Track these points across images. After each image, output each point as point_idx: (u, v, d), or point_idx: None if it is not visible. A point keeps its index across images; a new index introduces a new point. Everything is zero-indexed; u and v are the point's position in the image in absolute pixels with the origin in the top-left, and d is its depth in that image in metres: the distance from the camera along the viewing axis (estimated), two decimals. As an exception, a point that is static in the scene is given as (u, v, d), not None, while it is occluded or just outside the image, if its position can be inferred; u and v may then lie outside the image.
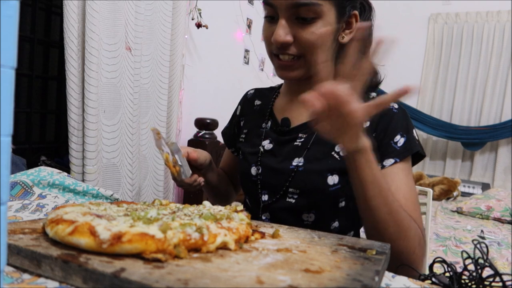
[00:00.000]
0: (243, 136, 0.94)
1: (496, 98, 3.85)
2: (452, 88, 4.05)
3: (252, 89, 1.03)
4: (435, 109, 4.11)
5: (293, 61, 0.76)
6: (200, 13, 2.18)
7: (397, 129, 0.77)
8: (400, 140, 0.76)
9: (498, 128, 3.75)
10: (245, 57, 2.86)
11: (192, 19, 2.17)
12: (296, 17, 0.73)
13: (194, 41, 2.30)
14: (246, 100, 1.00)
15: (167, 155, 0.77)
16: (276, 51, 0.77)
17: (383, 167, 0.75)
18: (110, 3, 1.61)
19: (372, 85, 0.82)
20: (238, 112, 1.01)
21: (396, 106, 0.80)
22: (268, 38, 0.78)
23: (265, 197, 0.84)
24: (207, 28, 2.21)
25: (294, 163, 0.80)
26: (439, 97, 4.11)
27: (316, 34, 0.73)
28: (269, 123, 0.89)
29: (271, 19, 0.77)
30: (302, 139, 0.82)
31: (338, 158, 0.78)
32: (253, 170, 0.86)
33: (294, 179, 0.80)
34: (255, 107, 0.96)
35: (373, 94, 0.82)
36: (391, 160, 0.74)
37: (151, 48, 1.89)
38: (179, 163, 0.78)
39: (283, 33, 0.73)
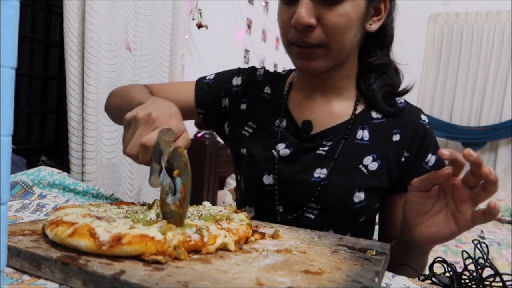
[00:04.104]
0: (250, 130, 0.80)
1: (496, 98, 3.85)
2: (452, 88, 4.05)
3: (262, 69, 0.86)
4: (435, 109, 4.11)
5: (315, 49, 0.65)
6: (200, 13, 2.18)
7: (430, 147, 0.74)
8: (431, 159, 0.74)
9: (498, 128, 3.76)
10: (245, 57, 2.86)
11: (193, 19, 2.17)
12: None
13: (194, 41, 2.30)
14: (255, 81, 0.84)
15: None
16: (295, 37, 0.65)
17: None
18: (110, 3, 1.61)
19: (401, 92, 0.76)
20: (238, 84, 0.84)
21: (427, 120, 0.76)
22: (285, 22, 0.66)
23: (280, 209, 0.75)
24: (207, 28, 2.21)
25: (316, 175, 0.72)
26: (439, 97, 4.11)
27: (345, 17, 0.62)
28: (284, 122, 0.77)
29: (289, 0, 0.65)
30: (327, 148, 0.73)
31: (366, 173, 0.71)
32: (266, 179, 0.75)
33: (318, 194, 0.71)
34: (264, 94, 0.81)
35: (401, 100, 0.77)
36: None
37: (151, 48, 1.89)
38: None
39: (306, 13, 0.61)
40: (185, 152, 0.47)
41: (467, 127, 3.94)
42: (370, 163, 0.72)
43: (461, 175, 0.53)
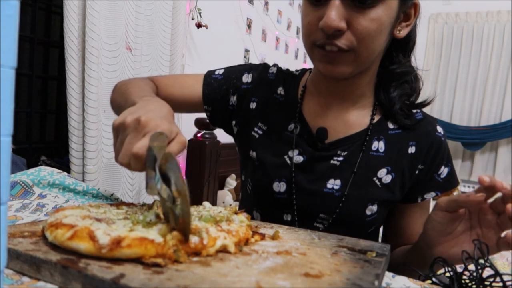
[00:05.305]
0: (260, 132, 0.76)
1: (496, 98, 3.85)
2: (452, 88, 4.05)
3: (274, 67, 0.81)
4: (435, 109, 4.11)
5: (342, 54, 0.61)
6: (200, 13, 2.18)
7: (443, 159, 0.74)
8: (443, 171, 0.73)
9: (498, 128, 3.76)
10: (245, 57, 2.85)
11: (192, 19, 2.17)
12: None
13: (194, 41, 2.30)
14: (267, 79, 0.79)
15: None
16: (321, 40, 0.61)
17: (423, 199, 0.73)
18: (110, 3, 1.61)
19: (419, 105, 0.75)
20: (248, 82, 0.79)
21: (442, 131, 0.75)
22: (312, 24, 0.61)
23: (287, 218, 0.73)
24: (207, 28, 2.21)
25: (329, 186, 0.70)
26: (439, 97, 4.11)
27: (377, 22, 0.59)
28: (298, 128, 0.73)
29: (316, 1, 0.61)
30: (341, 158, 0.70)
31: (379, 186, 0.70)
32: (277, 186, 0.72)
33: (330, 206, 0.70)
34: (276, 95, 0.77)
35: (419, 113, 0.75)
36: (433, 194, 0.73)
37: (151, 48, 1.89)
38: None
39: (337, 17, 0.57)
40: (184, 177, 0.42)
41: (467, 127, 3.93)
42: (384, 175, 0.71)
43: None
